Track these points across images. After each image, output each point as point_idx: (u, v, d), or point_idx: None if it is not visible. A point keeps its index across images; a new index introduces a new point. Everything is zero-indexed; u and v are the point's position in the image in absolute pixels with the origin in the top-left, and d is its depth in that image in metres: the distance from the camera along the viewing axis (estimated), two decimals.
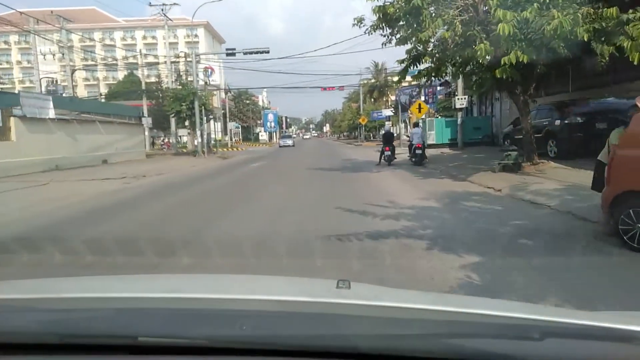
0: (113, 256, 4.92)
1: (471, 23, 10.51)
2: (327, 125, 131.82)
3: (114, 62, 61.69)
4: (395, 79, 58.48)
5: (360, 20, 11.52)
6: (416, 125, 17.65)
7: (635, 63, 8.34)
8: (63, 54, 31.54)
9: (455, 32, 10.21)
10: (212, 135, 51.68)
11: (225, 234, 6.25)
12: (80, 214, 8.46)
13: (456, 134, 22.31)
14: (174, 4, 29.55)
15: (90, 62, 69.21)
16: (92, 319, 1.14)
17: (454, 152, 20.24)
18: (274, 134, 79.04)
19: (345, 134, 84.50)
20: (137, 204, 9.66)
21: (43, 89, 31.45)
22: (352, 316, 1.09)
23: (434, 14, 10.44)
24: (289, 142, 49.53)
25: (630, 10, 8.57)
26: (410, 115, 51.73)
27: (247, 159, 26.74)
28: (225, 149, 42.91)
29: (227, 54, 27.07)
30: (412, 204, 7.80)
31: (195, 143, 28.49)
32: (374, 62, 66.90)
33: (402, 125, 56.97)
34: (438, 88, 35.69)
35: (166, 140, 38.96)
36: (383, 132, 18.44)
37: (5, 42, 71.85)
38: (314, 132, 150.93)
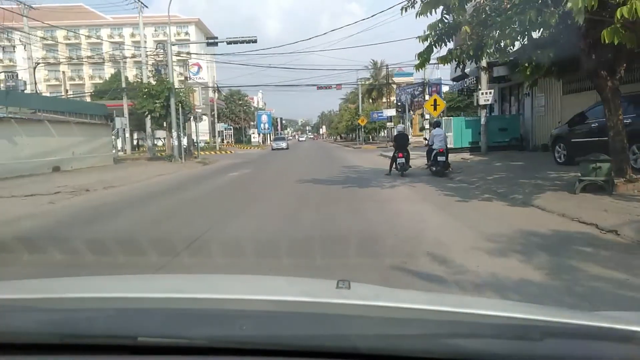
0: None
1: None
2: (324, 127, 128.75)
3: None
4: (396, 79, 55.80)
5: None
6: (437, 125, 13.90)
7: None
8: (25, 47, 27.69)
9: None
10: (200, 138, 48.10)
11: None
12: None
13: (478, 136, 18.62)
14: None
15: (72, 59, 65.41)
16: (92, 319, 1.13)
17: (479, 159, 16.55)
18: (268, 136, 75.23)
19: (342, 136, 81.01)
20: (18, 248, 5.84)
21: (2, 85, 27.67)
22: (352, 316, 1.09)
23: None
24: (283, 144, 45.99)
25: None
26: (414, 115, 48.25)
27: (231, 165, 23.00)
28: (211, 152, 39.09)
29: (208, 44, 23.44)
30: (482, 268, 4.12)
31: (174, 146, 24.69)
32: (373, 60, 63.59)
33: (403, 126, 53.50)
34: (449, 84, 32.35)
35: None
36: (395, 133, 14.57)
37: None
38: (310, 134, 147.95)
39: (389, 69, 49.83)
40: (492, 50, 9.07)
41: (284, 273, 3.99)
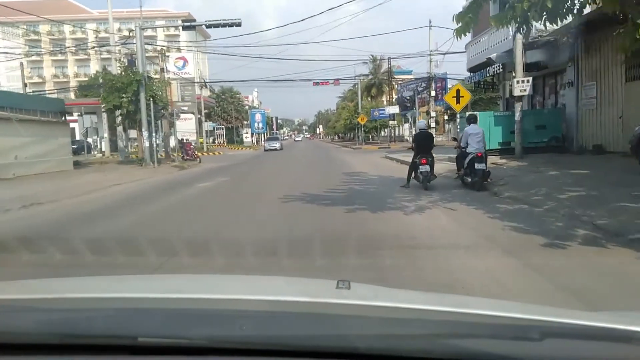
0: None
1: None
2: (320, 126, 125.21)
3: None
4: (396, 77, 52.10)
5: None
6: (472, 120, 10.28)
7: None
8: None
9: None
10: (186, 138, 44.38)
11: None
12: None
13: (510, 136, 15.12)
14: None
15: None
16: (92, 319, 1.13)
17: (517, 164, 13.03)
18: (263, 136, 71.50)
19: (339, 135, 77.39)
20: None
21: None
22: (352, 316, 1.09)
23: None
24: (276, 145, 42.46)
25: None
26: (419, 113, 44.68)
27: (213, 170, 19.49)
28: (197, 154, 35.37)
29: (184, 27, 19.96)
30: None
31: (146, 148, 21.05)
32: (372, 55, 60.13)
33: (407, 125, 49.97)
34: (455, 79, 28.90)
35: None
36: (416, 131, 10.89)
37: None
38: (306, 133, 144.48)
39: (391, 63, 46.11)
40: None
41: None
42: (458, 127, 15.55)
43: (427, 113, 37.26)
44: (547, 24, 6.26)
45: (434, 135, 10.76)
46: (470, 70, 21.72)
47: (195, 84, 44.56)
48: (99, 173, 18.42)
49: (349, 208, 7.67)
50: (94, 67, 66.39)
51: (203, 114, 45.93)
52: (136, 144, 26.46)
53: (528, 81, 14.07)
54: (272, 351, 0.97)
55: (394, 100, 45.61)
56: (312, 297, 1.26)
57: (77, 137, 38.74)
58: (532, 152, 14.69)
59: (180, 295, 1.29)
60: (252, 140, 64.00)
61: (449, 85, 41.05)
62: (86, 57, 72.99)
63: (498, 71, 17.76)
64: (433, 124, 37.74)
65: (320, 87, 45.21)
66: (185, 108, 46.11)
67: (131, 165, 21.54)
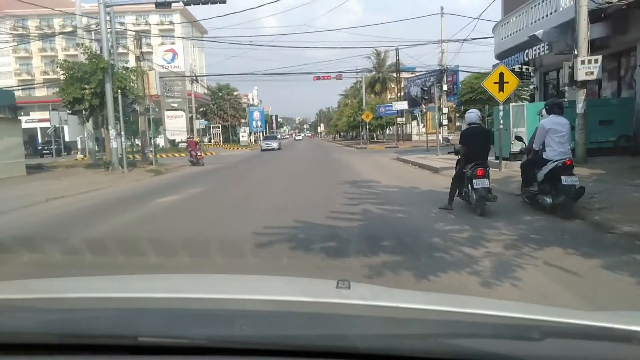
0: None
1: None
2: (322, 125, 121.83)
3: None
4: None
5: None
6: (556, 107, 6.64)
7: None
8: None
9: None
10: (177, 137, 40.72)
11: None
12: None
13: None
14: None
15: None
16: (92, 319, 1.13)
17: (590, 172, 9.52)
18: (262, 134, 67.96)
19: (341, 134, 73.85)
20: None
21: None
22: (352, 316, 1.08)
23: None
24: (274, 144, 39.06)
25: None
26: (424, 109, 41.13)
27: (189, 177, 16.14)
28: (184, 155, 31.78)
29: (157, 5, 16.47)
30: None
31: (113, 149, 17.60)
32: (376, 50, 56.70)
33: (414, 123, 46.33)
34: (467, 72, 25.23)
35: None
36: (465, 126, 7.22)
37: None
38: (307, 132, 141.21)
39: (399, 53, 42.50)
40: None
41: None
42: (500, 123, 12.05)
43: (439, 109, 33.84)
44: None
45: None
46: (500, 56, 18.24)
47: (186, 79, 41.07)
48: (52, 180, 15.07)
49: (372, 263, 4.26)
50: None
51: (194, 110, 42.36)
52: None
53: (597, 61, 10.60)
54: (272, 351, 0.96)
55: (401, 95, 42.12)
56: (312, 297, 1.24)
57: (67, 138, 35.44)
58: (596, 155, 11.27)
59: (180, 295, 1.27)
60: (249, 140, 60.52)
61: (461, 79, 37.81)
62: (76, 52, 69.81)
63: (541, 53, 14.30)
64: (445, 122, 34.34)
65: (322, 85, 42.01)
66: (175, 105, 42.78)
67: (96, 171, 18.16)
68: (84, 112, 18.18)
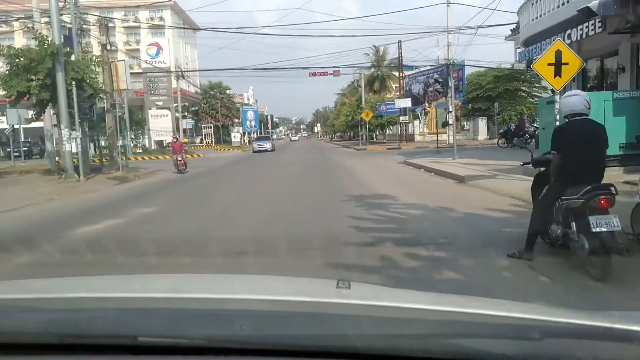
0: None
1: None
2: (318, 125, 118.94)
3: None
4: (396, 73, 45.51)
5: None
6: None
7: None
8: None
9: None
10: (161, 138, 37.55)
11: None
12: None
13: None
14: None
15: None
16: (92, 318, 1.12)
17: None
18: (256, 134, 64.95)
19: (338, 134, 70.94)
20: None
21: None
22: (352, 316, 1.08)
23: None
24: (267, 145, 36.26)
25: None
26: (428, 108, 38.37)
27: (157, 186, 13.28)
28: (167, 157, 28.71)
29: None
30: None
31: (66, 153, 14.64)
32: (374, 46, 53.89)
33: (417, 122, 43.48)
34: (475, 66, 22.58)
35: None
36: (564, 118, 4.13)
37: None
38: (304, 132, 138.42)
39: (401, 46, 39.56)
40: None
41: None
42: (556, 119, 9.12)
43: (451, 103, 31.10)
44: None
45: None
46: (527, 42, 15.38)
47: (172, 75, 38.07)
48: None
49: None
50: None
51: (180, 109, 39.32)
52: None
53: None
54: (272, 351, 0.96)
55: (403, 93, 39.30)
56: (312, 297, 1.22)
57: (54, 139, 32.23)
58: None
59: (180, 295, 1.26)
60: (241, 140, 57.47)
61: (466, 74, 35.02)
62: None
63: (590, 32, 11.46)
64: (451, 121, 31.52)
65: (318, 85, 39.18)
66: (160, 103, 39.81)
67: (50, 178, 15.21)
68: (33, 109, 15.23)
